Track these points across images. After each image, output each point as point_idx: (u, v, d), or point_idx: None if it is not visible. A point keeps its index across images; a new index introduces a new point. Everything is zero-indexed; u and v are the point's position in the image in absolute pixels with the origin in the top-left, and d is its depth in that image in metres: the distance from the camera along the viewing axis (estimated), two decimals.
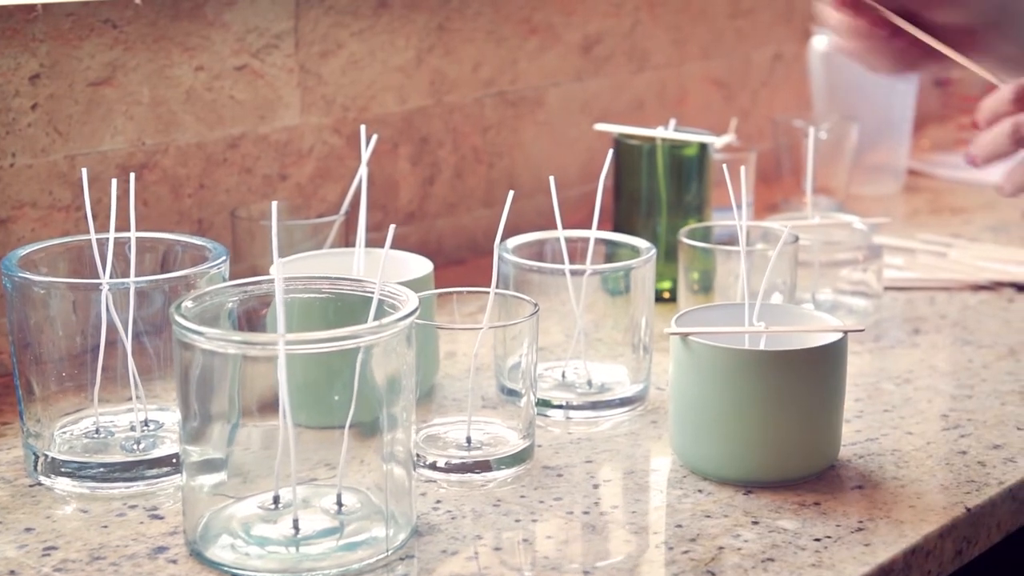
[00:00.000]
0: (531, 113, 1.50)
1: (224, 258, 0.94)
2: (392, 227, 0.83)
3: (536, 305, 0.96)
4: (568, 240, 1.11)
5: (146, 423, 0.95)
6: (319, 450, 0.86)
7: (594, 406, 1.05)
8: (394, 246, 1.39)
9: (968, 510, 0.89)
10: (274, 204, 0.85)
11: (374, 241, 1.37)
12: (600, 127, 1.37)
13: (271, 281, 0.85)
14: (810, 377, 0.91)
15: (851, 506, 0.89)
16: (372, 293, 0.85)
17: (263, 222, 1.19)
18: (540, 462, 0.96)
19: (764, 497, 0.90)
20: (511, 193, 0.98)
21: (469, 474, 0.93)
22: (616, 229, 1.36)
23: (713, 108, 1.73)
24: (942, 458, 0.96)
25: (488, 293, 0.97)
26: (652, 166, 1.33)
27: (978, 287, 1.36)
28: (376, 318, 0.84)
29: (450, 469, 0.94)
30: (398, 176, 1.39)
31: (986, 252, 1.46)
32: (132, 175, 0.93)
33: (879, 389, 1.09)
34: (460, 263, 1.44)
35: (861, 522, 0.87)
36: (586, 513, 0.88)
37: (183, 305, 0.82)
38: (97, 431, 0.94)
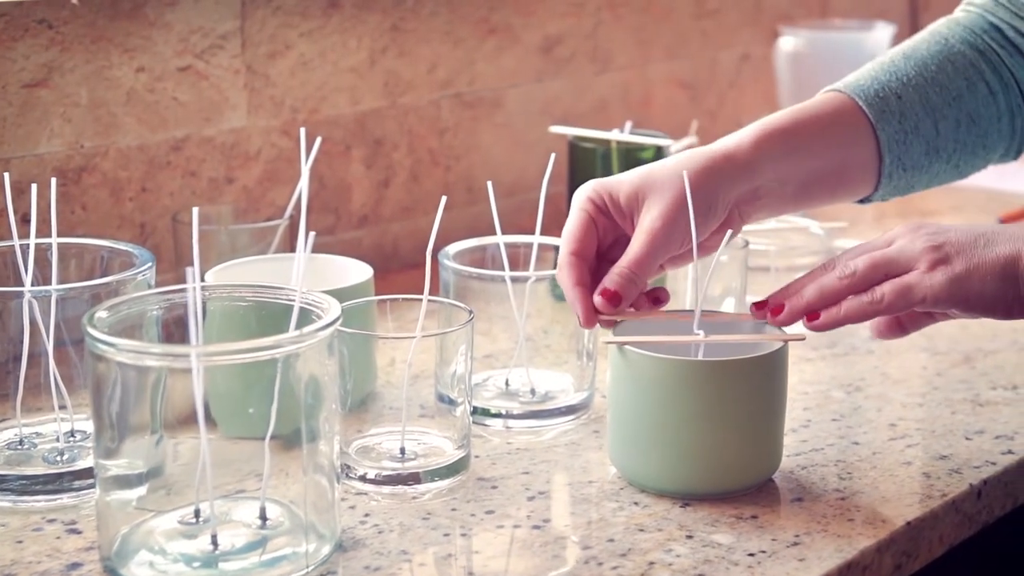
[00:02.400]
0: (489, 115, 1.48)
1: (149, 264, 0.92)
2: (311, 234, 0.81)
3: (471, 313, 0.94)
4: (516, 245, 1.09)
5: (72, 434, 0.93)
6: (250, 460, 0.83)
7: (535, 415, 1.03)
8: (347, 250, 1.38)
9: (908, 523, 0.87)
10: (195, 210, 0.83)
11: (326, 246, 1.35)
12: (555, 129, 1.35)
13: (192, 289, 0.82)
14: (749, 387, 0.89)
15: (789, 519, 0.87)
16: (294, 301, 0.83)
17: (206, 227, 1.16)
18: (476, 473, 0.94)
19: (701, 510, 0.88)
20: (443, 199, 0.97)
21: (401, 486, 0.91)
22: None
23: (679, 109, 1.71)
24: (886, 469, 0.94)
25: (435, 300, 0.95)
26: (607, 169, 1.30)
27: None
28: (300, 326, 0.82)
29: (382, 481, 0.91)
30: (351, 179, 1.37)
31: None
32: (53, 180, 0.91)
33: (829, 397, 1.07)
34: (416, 267, 1.42)
35: (798, 536, 0.85)
36: (517, 527, 0.86)
37: (96, 315, 0.80)
38: (20, 442, 0.92)
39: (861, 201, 1.02)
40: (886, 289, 0.88)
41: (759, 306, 0.92)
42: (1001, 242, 0.88)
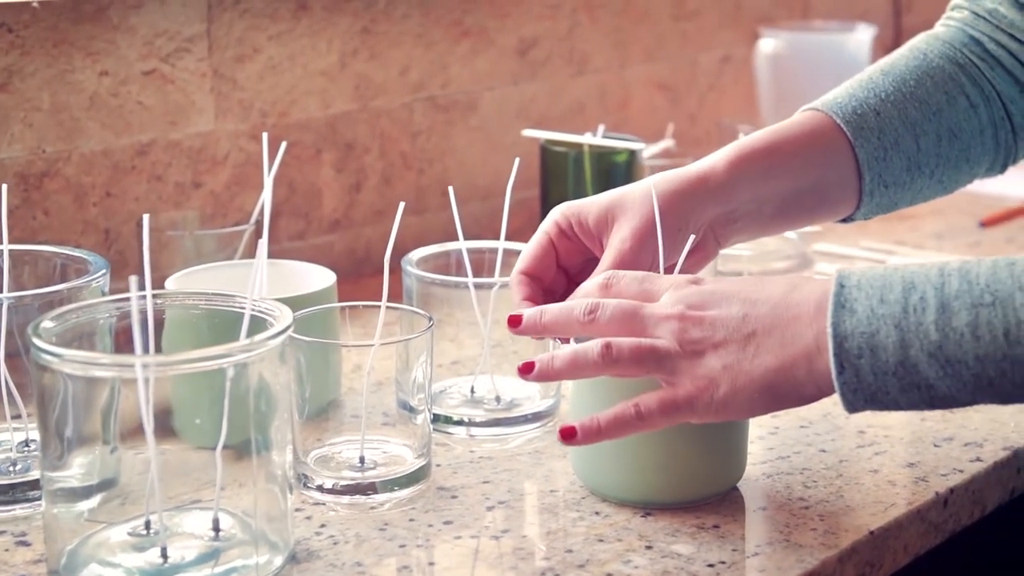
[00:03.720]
0: (463, 118, 1.47)
1: (103, 272, 0.90)
2: (261, 241, 0.79)
3: (431, 320, 0.93)
4: (481, 251, 1.07)
5: (26, 443, 0.92)
6: (208, 470, 0.82)
7: (499, 423, 1.01)
8: (318, 255, 1.37)
9: (871, 533, 0.85)
10: (146, 216, 0.81)
11: (296, 251, 1.34)
12: (528, 133, 1.34)
13: (141, 297, 0.81)
14: None
15: (751, 529, 0.86)
16: (248, 309, 0.82)
17: (171, 232, 1.15)
18: (437, 482, 0.93)
19: (662, 520, 0.87)
20: (402, 205, 0.95)
21: (359, 496, 0.90)
22: None
23: (658, 112, 1.69)
24: (852, 477, 0.93)
25: (394, 307, 0.94)
26: (579, 173, 1.29)
27: None
28: (253, 335, 0.81)
29: (340, 491, 0.90)
30: (321, 183, 1.35)
31: (928, 260, 1.43)
32: (4, 186, 0.89)
33: None
34: (390, 272, 1.41)
35: (759, 546, 0.84)
36: (474, 538, 0.85)
37: (41, 325, 0.78)
38: None
39: (844, 220, 1.01)
40: (653, 406, 0.82)
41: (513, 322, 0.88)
42: (768, 349, 0.80)
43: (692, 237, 0.92)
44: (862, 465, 0.95)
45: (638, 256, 0.91)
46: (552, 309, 0.86)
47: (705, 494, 0.89)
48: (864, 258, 1.43)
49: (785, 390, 0.81)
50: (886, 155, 0.98)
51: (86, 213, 1.17)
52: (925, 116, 0.99)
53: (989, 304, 0.76)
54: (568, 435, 0.83)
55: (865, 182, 0.97)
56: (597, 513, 0.88)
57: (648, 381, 0.84)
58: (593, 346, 0.83)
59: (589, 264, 0.94)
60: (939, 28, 1.06)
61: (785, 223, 0.98)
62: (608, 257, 0.91)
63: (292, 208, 1.33)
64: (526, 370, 0.85)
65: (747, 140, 0.96)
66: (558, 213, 0.94)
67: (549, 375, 0.85)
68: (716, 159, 0.94)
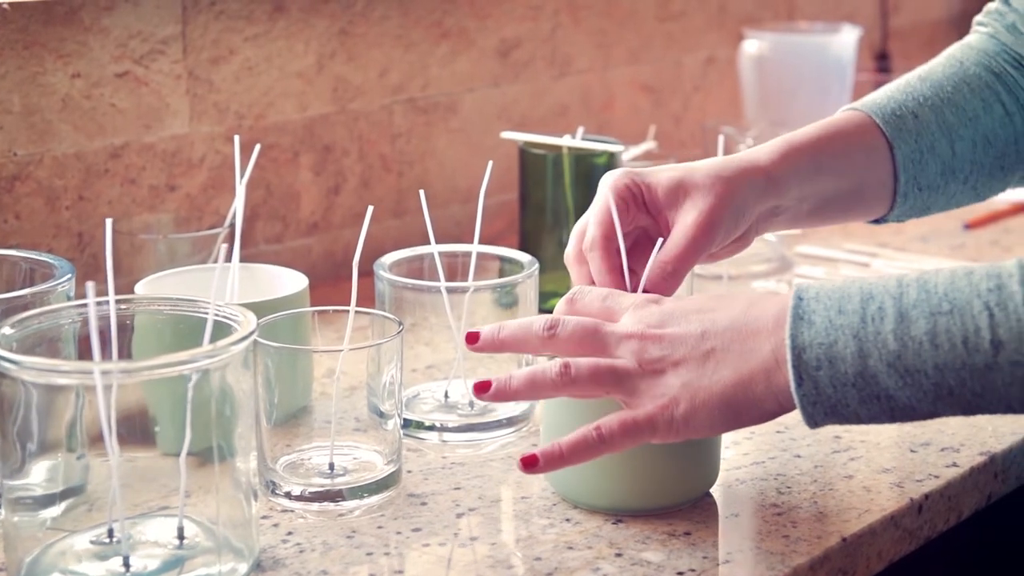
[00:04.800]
0: (444, 120, 1.46)
1: (68, 276, 0.89)
2: (223, 245, 0.78)
3: (400, 325, 0.92)
4: (455, 254, 1.06)
5: None
6: (176, 476, 0.81)
7: (472, 428, 1.00)
8: (296, 258, 1.36)
9: (844, 540, 0.84)
10: (108, 221, 0.80)
11: (275, 254, 1.33)
12: (506, 135, 1.33)
13: (101, 303, 0.80)
14: None
15: (723, 536, 0.85)
16: (211, 314, 0.81)
17: (144, 236, 1.14)
18: (407, 489, 0.92)
19: (633, 527, 0.86)
20: (370, 209, 0.94)
21: (328, 503, 0.89)
22: (522, 240, 1.32)
23: (642, 114, 1.68)
24: (826, 483, 0.92)
25: (363, 312, 0.93)
26: (558, 176, 1.28)
27: None
28: (218, 340, 0.80)
29: (309, 498, 0.89)
30: (299, 186, 1.34)
31: (910, 262, 1.42)
32: None
33: None
34: (368, 275, 1.40)
35: (730, 553, 0.83)
36: (443, 545, 0.84)
37: (0, 331, 0.77)
38: None
39: (876, 221, 1.01)
40: (615, 428, 0.80)
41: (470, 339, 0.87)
42: (727, 364, 0.80)
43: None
44: (837, 471, 0.94)
45: (711, 237, 0.90)
46: (511, 325, 0.86)
47: (677, 501, 0.88)
48: (847, 260, 1.42)
49: (745, 406, 0.80)
50: (922, 158, 0.98)
51: (58, 217, 1.16)
52: (961, 122, 1.00)
53: (947, 312, 0.75)
54: (530, 464, 0.82)
55: (900, 183, 0.98)
56: (568, 520, 0.87)
57: (611, 398, 0.83)
58: (552, 366, 0.82)
59: (635, 236, 0.93)
60: (971, 38, 1.07)
61: (820, 220, 0.98)
62: (685, 233, 0.89)
63: (269, 211, 1.32)
64: (482, 389, 0.84)
65: (796, 135, 0.96)
66: (621, 178, 0.92)
67: (506, 395, 0.84)
68: (770, 151, 0.94)
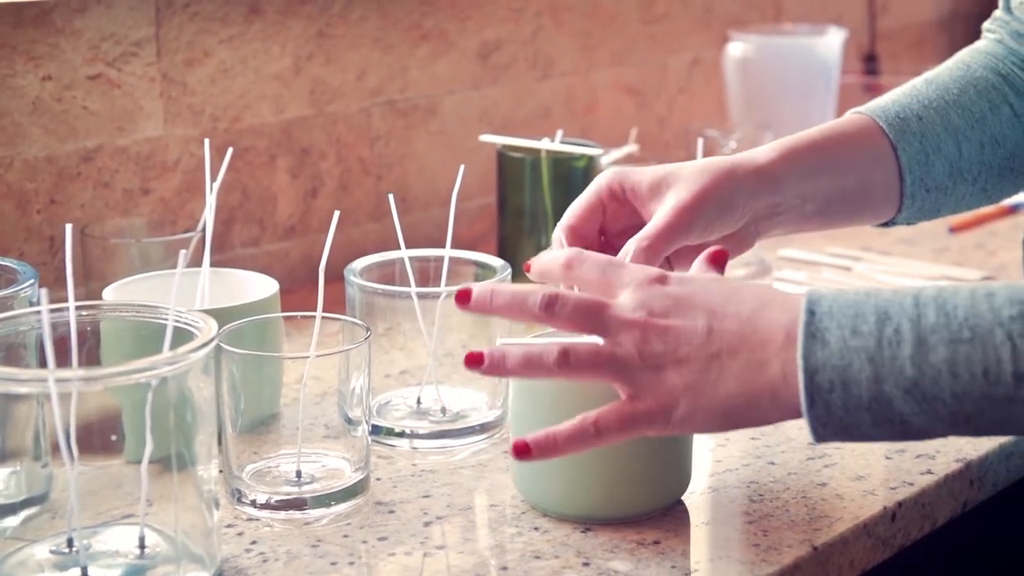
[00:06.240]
0: (423, 123, 1.45)
1: (31, 282, 0.88)
2: (183, 252, 0.77)
3: (368, 330, 0.91)
4: (427, 259, 1.05)
5: None
6: (139, 484, 0.80)
7: (444, 434, 0.99)
8: (273, 262, 1.35)
9: (815, 548, 0.83)
10: (68, 226, 0.79)
11: (251, 257, 1.32)
12: (484, 138, 1.32)
13: (57, 310, 0.79)
14: None
15: (693, 545, 0.84)
16: (175, 320, 0.80)
17: (117, 239, 1.13)
18: (375, 497, 0.90)
19: (602, 535, 0.85)
20: (336, 213, 0.93)
21: (294, 512, 0.88)
22: (500, 244, 1.31)
23: (626, 116, 1.67)
24: (799, 491, 0.91)
25: (333, 318, 0.92)
26: (536, 179, 1.27)
27: None
28: (180, 346, 0.79)
29: (275, 507, 0.88)
30: (276, 189, 1.33)
31: (893, 266, 1.41)
32: None
33: None
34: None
35: (698, 563, 0.82)
36: (408, 555, 0.83)
37: None
38: None
39: (885, 224, 1.01)
40: (612, 421, 0.78)
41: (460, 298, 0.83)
42: (732, 373, 0.77)
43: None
44: (811, 478, 0.93)
45: (693, 218, 0.89)
46: (505, 291, 0.81)
47: (647, 509, 0.87)
48: (829, 264, 1.41)
49: (747, 416, 0.78)
50: (928, 159, 0.98)
51: (29, 220, 1.15)
52: (968, 123, 0.99)
53: (968, 340, 0.72)
54: (522, 451, 0.79)
55: (907, 184, 0.97)
56: (536, 528, 0.86)
57: (593, 397, 0.82)
58: (550, 350, 0.79)
59: (629, 232, 0.93)
60: (980, 43, 1.07)
61: (826, 222, 0.98)
62: (664, 211, 0.90)
63: (246, 214, 1.31)
64: (474, 361, 0.80)
65: (796, 136, 0.96)
66: (608, 176, 0.93)
67: (499, 371, 0.80)
68: (767, 151, 0.94)
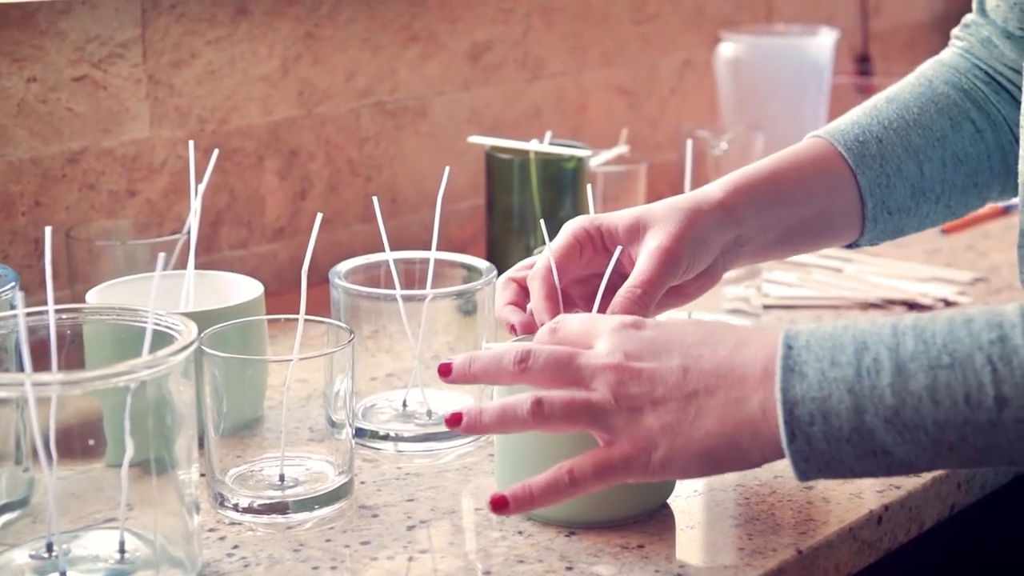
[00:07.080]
0: (413, 124, 1.44)
1: (12, 284, 0.88)
2: (162, 255, 0.77)
3: (351, 333, 0.90)
4: (413, 261, 1.05)
5: None
6: (120, 488, 0.80)
7: (429, 438, 0.99)
8: (262, 264, 1.34)
9: (800, 552, 0.83)
10: (47, 229, 0.79)
11: (239, 259, 1.32)
12: (473, 139, 1.32)
13: (43, 312, 0.79)
14: None
15: (677, 549, 0.83)
16: (154, 323, 0.79)
17: (102, 242, 1.13)
18: (359, 501, 0.90)
19: (586, 539, 0.84)
20: (319, 216, 0.93)
21: (277, 516, 0.87)
22: (489, 245, 1.31)
23: (617, 117, 1.67)
24: (785, 494, 0.90)
25: (317, 321, 0.92)
26: (525, 180, 1.27)
27: (868, 305, 1.31)
28: (160, 349, 0.78)
29: (257, 511, 0.87)
30: (264, 190, 1.33)
31: (884, 268, 1.41)
32: None
33: None
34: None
35: (683, 567, 0.81)
36: (391, 559, 0.82)
37: None
38: None
39: (849, 246, 1.01)
40: (587, 469, 0.77)
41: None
42: (710, 412, 0.76)
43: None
44: (797, 482, 0.92)
45: (678, 259, 0.89)
46: (482, 357, 0.82)
47: (632, 512, 0.86)
48: (820, 265, 1.41)
49: (728, 456, 0.77)
50: (888, 182, 0.98)
51: (14, 223, 1.14)
52: (929, 143, 0.99)
53: (947, 366, 0.71)
54: (500, 505, 0.79)
55: (868, 208, 0.97)
56: (520, 533, 0.85)
57: (577, 436, 0.81)
58: (523, 401, 0.78)
59: (594, 279, 0.93)
60: (945, 54, 1.07)
61: (790, 248, 0.98)
62: (649, 257, 0.89)
63: (234, 216, 1.31)
64: (454, 422, 0.81)
65: (751, 168, 0.96)
66: (582, 222, 0.93)
67: (477, 428, 0.81)
68: (723, 185, 0.94)
